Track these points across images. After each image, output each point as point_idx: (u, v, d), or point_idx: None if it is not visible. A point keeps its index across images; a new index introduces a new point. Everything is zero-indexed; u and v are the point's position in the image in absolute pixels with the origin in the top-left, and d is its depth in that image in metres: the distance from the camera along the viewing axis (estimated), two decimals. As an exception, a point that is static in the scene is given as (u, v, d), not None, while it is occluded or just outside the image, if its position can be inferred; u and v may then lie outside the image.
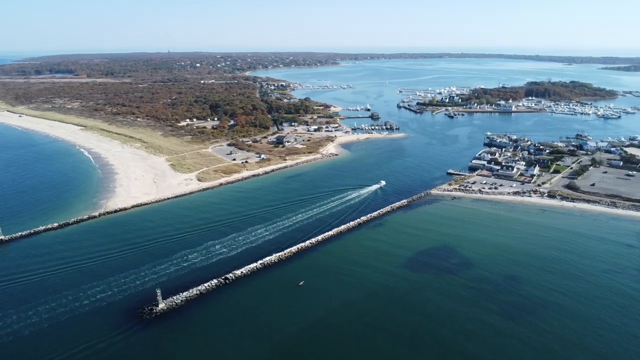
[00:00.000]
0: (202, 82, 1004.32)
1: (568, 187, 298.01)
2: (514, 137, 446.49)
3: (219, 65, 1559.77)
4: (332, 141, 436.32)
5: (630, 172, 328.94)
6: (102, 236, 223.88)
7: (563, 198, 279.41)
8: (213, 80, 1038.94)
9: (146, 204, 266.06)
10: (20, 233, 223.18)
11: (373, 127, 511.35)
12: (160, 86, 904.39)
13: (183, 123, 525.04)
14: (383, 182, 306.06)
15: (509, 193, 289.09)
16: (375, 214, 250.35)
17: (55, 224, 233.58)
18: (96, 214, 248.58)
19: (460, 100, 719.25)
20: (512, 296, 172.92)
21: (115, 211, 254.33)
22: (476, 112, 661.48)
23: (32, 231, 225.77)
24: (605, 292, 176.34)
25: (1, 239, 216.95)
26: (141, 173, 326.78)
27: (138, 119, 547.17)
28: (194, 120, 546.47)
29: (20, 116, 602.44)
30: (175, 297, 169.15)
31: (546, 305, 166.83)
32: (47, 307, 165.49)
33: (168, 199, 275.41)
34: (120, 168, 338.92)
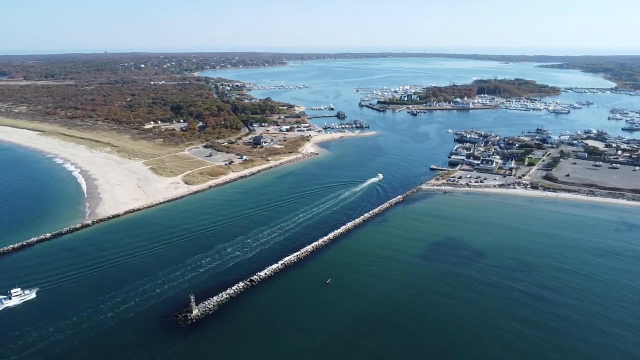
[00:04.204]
0: (152, 83, 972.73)
1: (546, 178, 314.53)
2: (483, 132, 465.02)
3: (164, 66, 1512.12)
4: (308, 141, 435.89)
5: (597, 163, 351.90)
6: (101, 244, 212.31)
7: (545, 189, 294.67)
8: (163, 82, 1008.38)
9: (139, 209, 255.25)
10: (12, 245, 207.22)
11: (343, 126, 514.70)
12: (110, 88, 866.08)
13: (149, 126, 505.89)
14: (381, 176, 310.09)
15: (494, 186, 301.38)
16: (376, 210, 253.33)
17: (48, 234, 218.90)
18: (89, 222, 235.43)
19: (418, 99, 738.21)
20: (536, 270, 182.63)
21: (108, 218, 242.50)
22: (436, 109, 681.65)
23: (24, 243, 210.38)
24: (616, 262, 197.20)
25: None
26: (122, 178, 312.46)
27: (98, 123, 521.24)
28: (159, 122, 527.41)
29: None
30: (207, 302, 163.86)
31: (563, 273, 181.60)
32: (68, 322, 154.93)
33: (161, 203, 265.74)
34: (97, 173, 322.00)
